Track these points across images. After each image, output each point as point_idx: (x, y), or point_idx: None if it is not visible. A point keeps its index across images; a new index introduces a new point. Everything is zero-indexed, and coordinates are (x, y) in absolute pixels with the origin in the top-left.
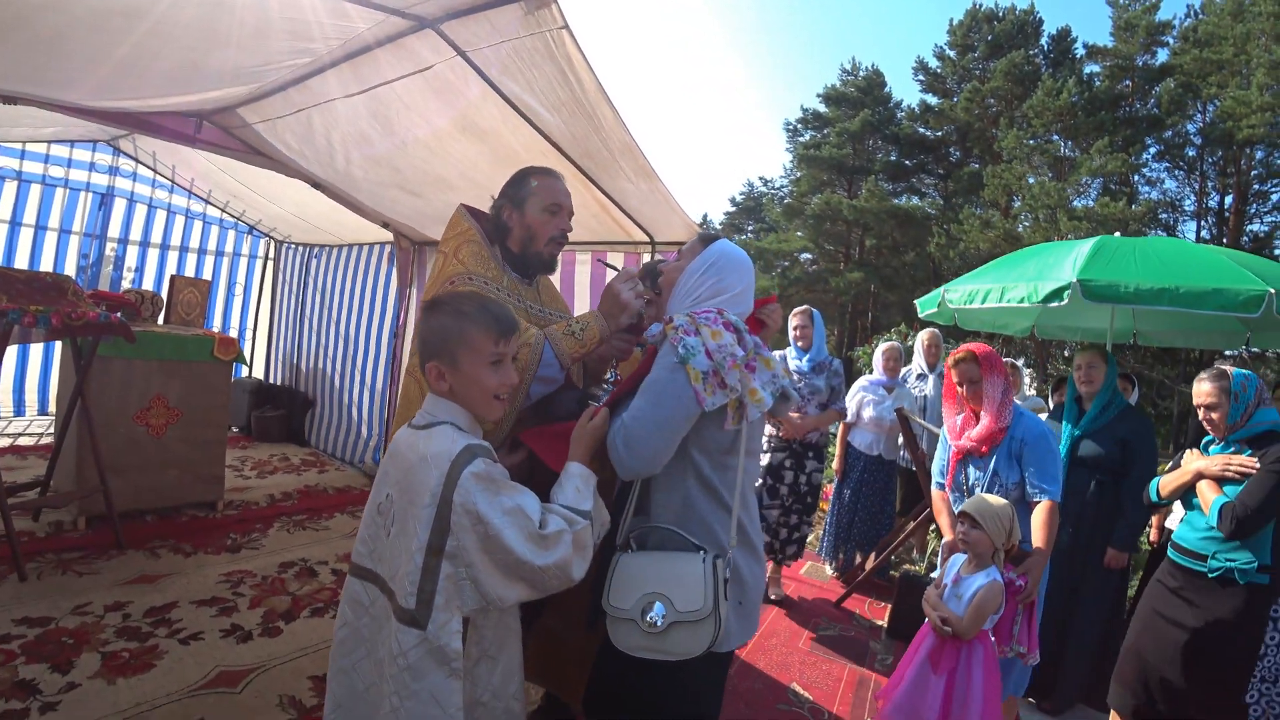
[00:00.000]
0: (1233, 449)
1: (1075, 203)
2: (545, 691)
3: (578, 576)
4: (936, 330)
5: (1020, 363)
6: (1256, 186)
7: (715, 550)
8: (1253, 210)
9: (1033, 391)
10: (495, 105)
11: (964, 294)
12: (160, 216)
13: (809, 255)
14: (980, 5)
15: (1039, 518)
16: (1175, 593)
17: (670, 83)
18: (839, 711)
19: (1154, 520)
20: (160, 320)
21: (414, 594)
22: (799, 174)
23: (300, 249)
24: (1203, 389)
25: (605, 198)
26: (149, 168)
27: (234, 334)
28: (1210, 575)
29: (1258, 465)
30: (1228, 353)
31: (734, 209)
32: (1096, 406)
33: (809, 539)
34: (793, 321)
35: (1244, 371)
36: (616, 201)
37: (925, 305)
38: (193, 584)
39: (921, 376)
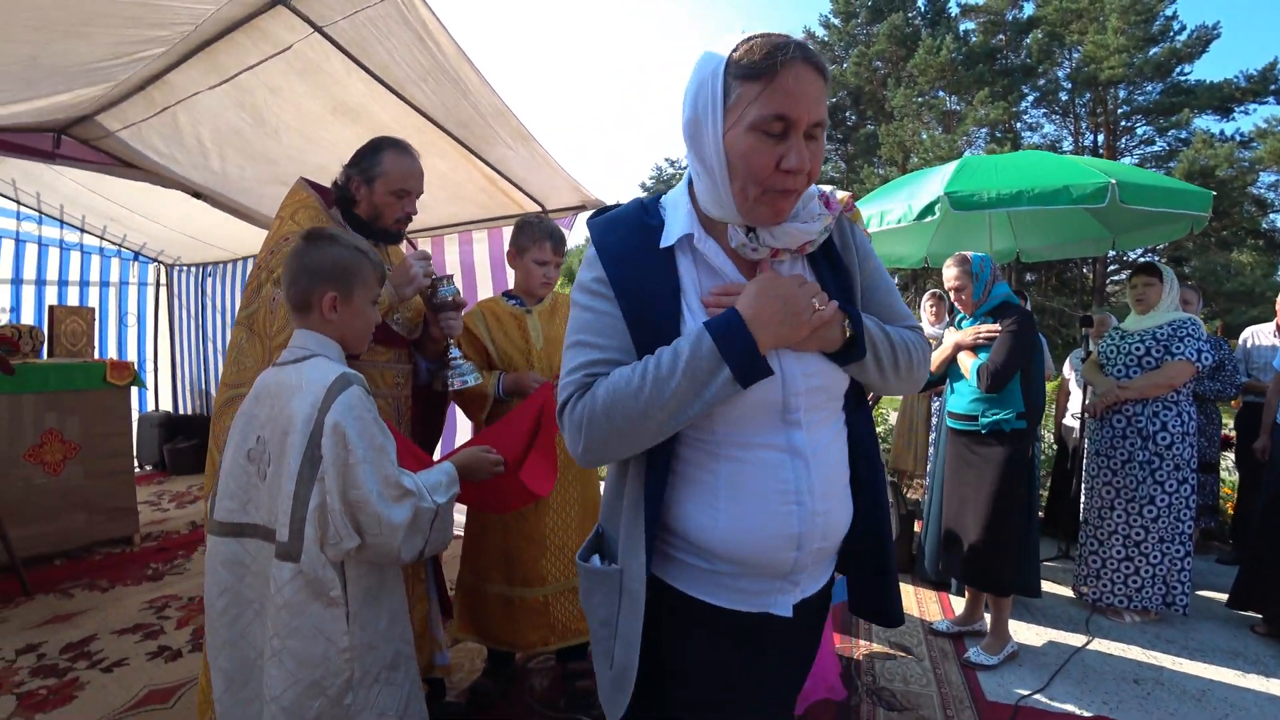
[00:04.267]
0: (979, 321)
1: (966, 152)
2: (488, 652)
3: (403, 554)
4: None
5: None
6: (1124, 123)
7: None
8: (1122, 145)
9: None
10: (361, 81)
11: None
12: (30, 250)
13: None
14: None
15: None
16: (959, 458)
17: (573, 72)
18: None
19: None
20: (44, 355)
21: (287, 525)
22: None
23: (193, 270)
24: (950, 273)
25: (491, 170)
26: (9, 198)
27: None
28: (983, 432)
29: (1000, 329)
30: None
31: (645, 193)
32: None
33: None
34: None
35: (980, 255)
36: (501, 172)
37: None
38: (111, 616)
39: None
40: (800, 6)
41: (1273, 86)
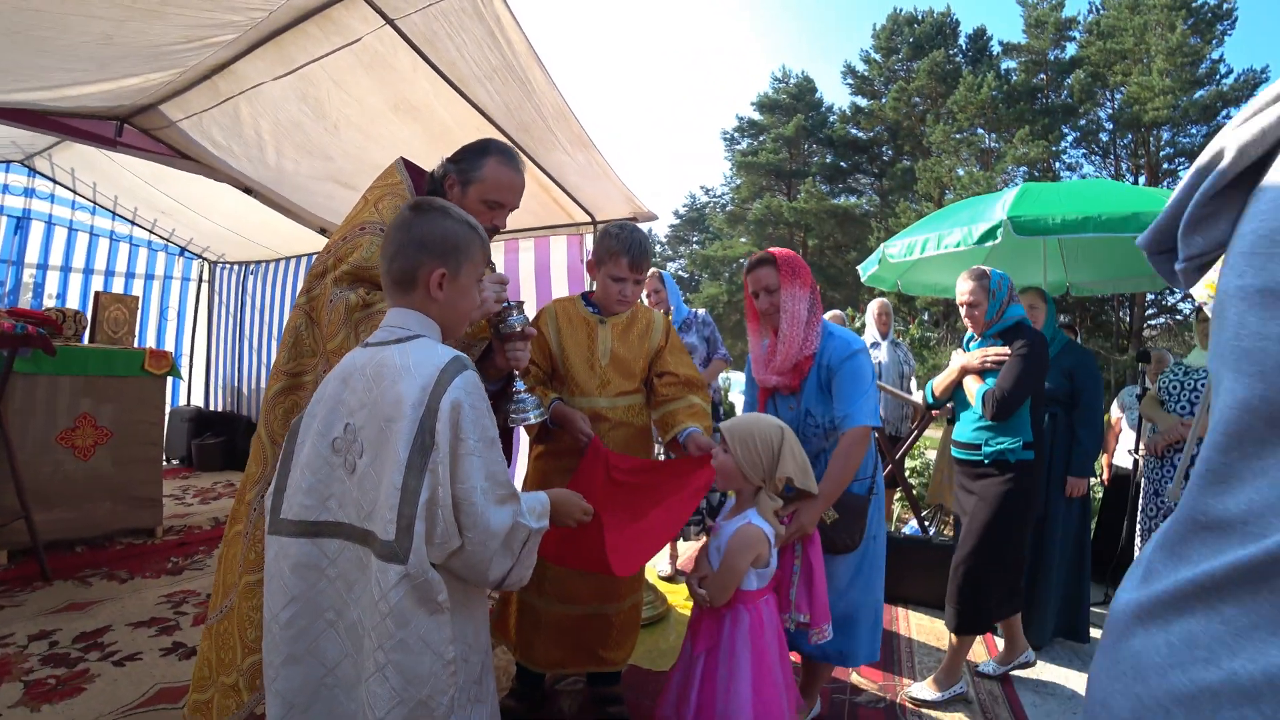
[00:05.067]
0: (989, 343)
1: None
2: (516, 670)
3: (490, 572)
4: (886, 300)
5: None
6: (1166, 165)
7: None
8: (1164, 187)
9: None
10: (426, 78)
11: (903, 247)
12: (82, 239)
13: None
14: (900, 10)
15: (837, 448)
16: (961, 488)
17: (606, 101)
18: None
19: (1104, 460)
20: (85, 340)
21: (394, 521)
22: (739, 181)
23: (235, 268)
24: (965, 287)
25: (545, 176)
26: (67, 188)
27: None
28: (985, 462)
29: (1009, 353)
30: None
31: (678, 221)
32: None
33: None
34: (644, 290)
35: (1000, 272)
36: (555, 179)
37: (867, 267)
38: (128, 608)
39: (874, 345)
40: (840, 42)
41: None
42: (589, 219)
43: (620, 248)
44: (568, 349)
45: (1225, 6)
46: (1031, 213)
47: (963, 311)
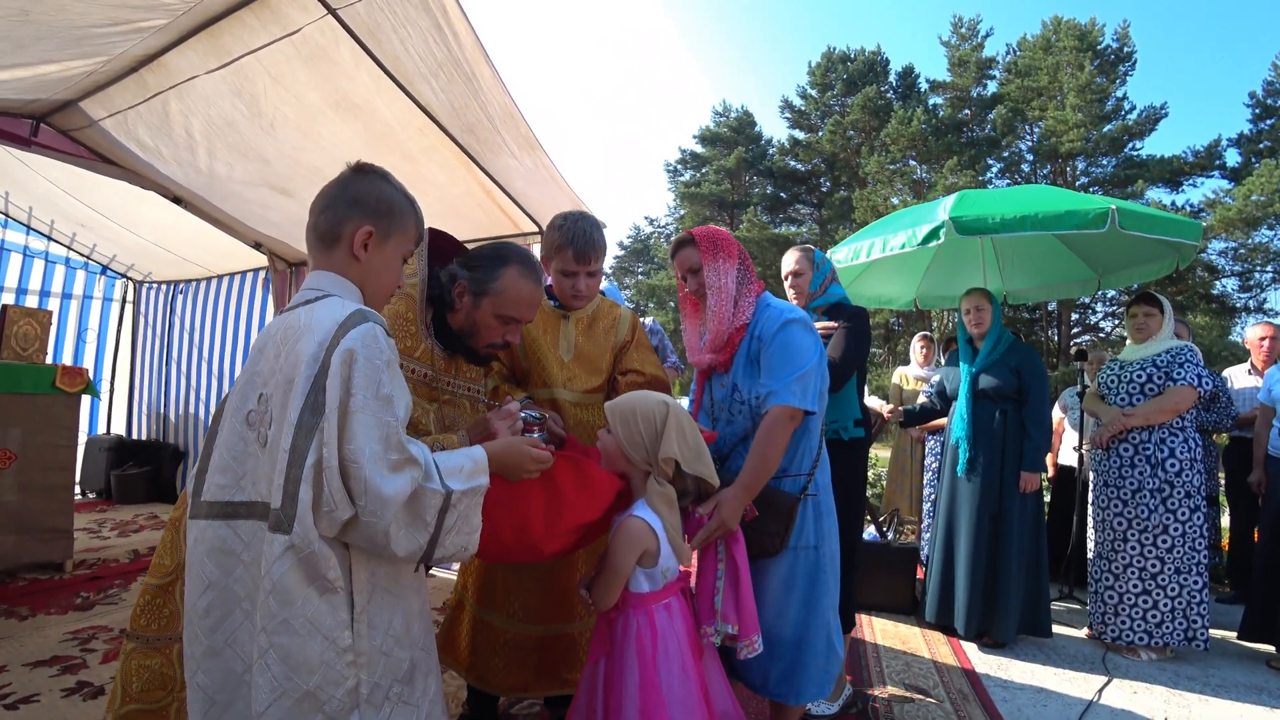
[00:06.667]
0: (815, 318)
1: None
2: (468, 695)
3: (395, 546)
4: None
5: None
6: (1082, 193)
7: None
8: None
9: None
10: (368, 74)
11: (849, 252)
12: None
13: None
14: (834, 48)
15: (758, 431)
16: None
17: (550, 132)
18: None
19: (1049, 459)
20: None
21: (282, 486)
22: (682, 212)
23: (163, 287)
24: (791, 259)
25: (491, 182)
26: None
27: None
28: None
29: (837, 325)
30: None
31: (623, 252)
32: (988, 343)
33: None
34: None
35: (822, 252)
36: (502, 185)
37: None
38: (27, 646)
39: None
40: (779, 77)
41: (1218, 162)
42: (535, 228)
43: (564, 239)
44: (532, 335)
45: (1126, 49)
46: (972, 213)
47: (787, 284)
